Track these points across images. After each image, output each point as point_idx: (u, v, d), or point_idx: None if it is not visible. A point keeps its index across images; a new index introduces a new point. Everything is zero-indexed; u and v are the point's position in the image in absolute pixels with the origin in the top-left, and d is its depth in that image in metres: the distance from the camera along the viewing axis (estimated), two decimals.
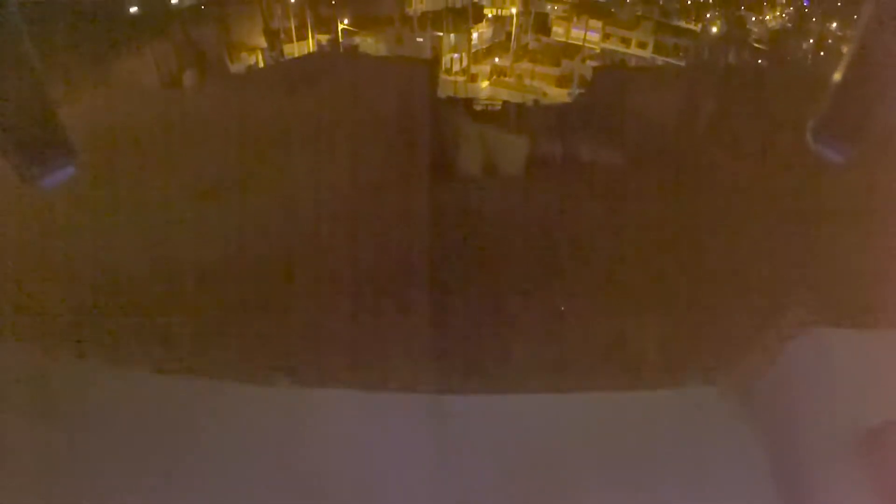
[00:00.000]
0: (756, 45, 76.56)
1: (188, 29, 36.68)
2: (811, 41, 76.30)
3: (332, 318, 10.95)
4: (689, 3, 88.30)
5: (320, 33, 54.61)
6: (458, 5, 68.19)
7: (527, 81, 44.73)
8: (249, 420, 6.13)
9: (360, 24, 55.64)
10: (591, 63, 50.82)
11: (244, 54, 38.53)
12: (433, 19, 52.11)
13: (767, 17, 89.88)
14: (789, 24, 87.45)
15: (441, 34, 49.87)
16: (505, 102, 29.26)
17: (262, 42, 40.57)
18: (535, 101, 35.77)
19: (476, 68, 46.93)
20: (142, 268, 11.65)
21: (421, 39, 49.70)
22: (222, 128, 17.42)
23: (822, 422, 5.80)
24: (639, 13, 79.35)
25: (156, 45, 33.03)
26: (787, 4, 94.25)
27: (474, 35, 53.78)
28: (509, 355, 10.86)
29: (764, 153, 19.78)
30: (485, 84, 45.94)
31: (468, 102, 23.66)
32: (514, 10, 76.95)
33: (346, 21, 56.83)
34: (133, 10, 42.43)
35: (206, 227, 13.46)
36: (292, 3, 62.49)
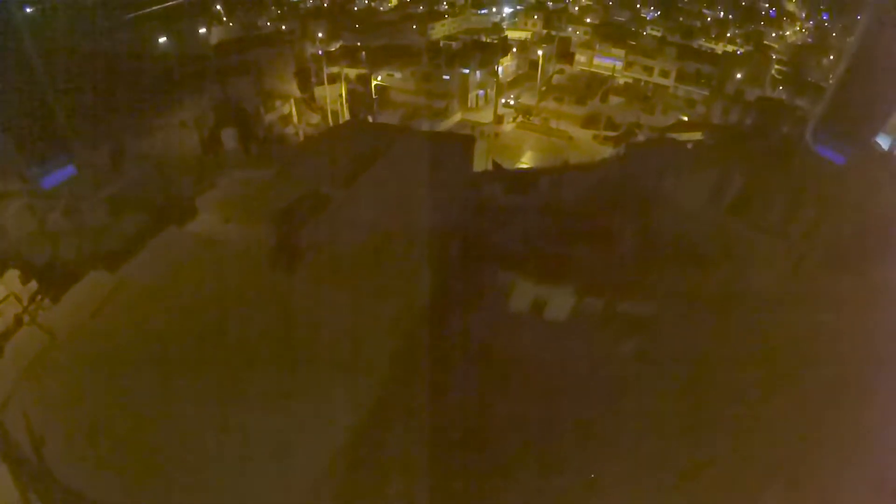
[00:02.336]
0: (777, 60, 76.11)
1: (224, 77, 37.21)
2: (831, 57, 75.60)
3: None
4: (709, 20, 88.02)
5: (348, 67, 55.15)
6: (486, 39, 68.61)
7: (552, 123, 44.55)
8: None
9: (387, 57, 56.06)
10: (615, 99, 50.67)
11: (278, 102, 38.87)
12: (460, 55, 52.29)
13: (788, 32, 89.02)
14: (809, 40, 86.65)
15: (467, 71, 49.99)
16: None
17: (294, 88, 40.89)
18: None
19: (502, 109, 46.88)
20: None
21: (448, 77, 49.86)
22: None
23: None
24: (659, 34, 79.34)
25: (193, 99, 33.53)
26: (808, 19, 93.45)
27: (499, 69, 53.87)
28: None
29: None
30: (510, 127, 45.92)
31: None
32: (535, 33, 77.30)
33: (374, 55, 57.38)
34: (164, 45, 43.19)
35: None
36: (322, 44, 63.44)
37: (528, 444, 13.42)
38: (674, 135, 30.40)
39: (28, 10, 40.33)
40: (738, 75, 58.00)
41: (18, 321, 14.48)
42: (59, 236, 18.30)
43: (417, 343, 15.09)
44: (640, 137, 40.45)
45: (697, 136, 29.97)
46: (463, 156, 26.41)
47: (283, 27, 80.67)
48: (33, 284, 15.53)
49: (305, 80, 43.76)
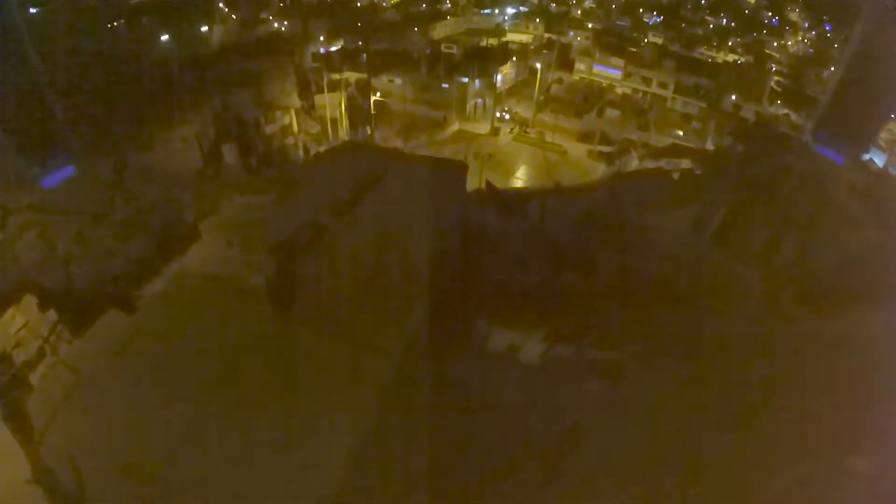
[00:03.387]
0: (777, 72, 76.54)
1: (224, 88, 38.07)
2: (832, 69, 76.03)
3: None
4: (711, 27, 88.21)
5: (349, 71, 55.86)
6: (487, 41, 69.06)
7: (548, 137, 45.36)
8: None
9: (387, 63, 56.68)
10: (611, 112, 51.48)
11: (278, 113, 39.74)
12: (459, 64, 52.96)
13: (790, 42, 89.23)
14: (811, 51, 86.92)
15: (466, 80, 50.75)
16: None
17: (295, 98, 41.71)
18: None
19: (499, 121, 47.69)
20: None
21: (447, 86, 50.65)
22: None
23: None
24: (661, 41, 79.71)
25: (195, 113, 34.44)
26: (810, 29, 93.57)
27: (498, 77, 54.61)
28: None
29: None
30: (507, 139, 46.73)
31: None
32: (536, 37, 77.57)
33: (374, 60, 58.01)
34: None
35: None
36: (324, 44, 64.01)
37: (497, 473, 14.90)
38: (664, 160, 31.39)
39: (31, 10, 41.01)
40: (736, 90, 58.85)
41: (41, 353, 15.70)
42: (70, 261, 19.44)
43: (409, 380, 16.45)
44: (633, 157, 41.41)
45: (687, 163, 31.00)
46: (456, 182, 27.56)
47: (285, 25, 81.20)
48: (52, 315, 16.67)
49: (306, 88, 44.52)
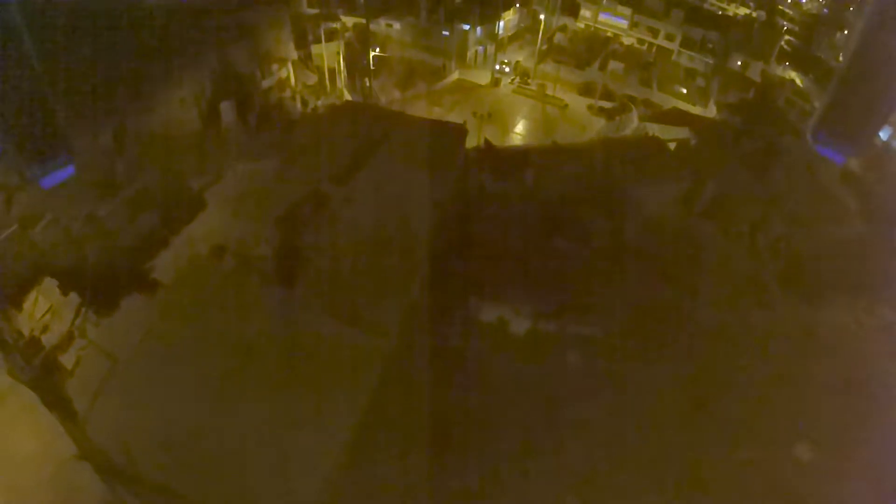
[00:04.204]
0: (788, 31, 74.22)
1: (219, 41, 36.69)
2: (845, 32, 73.70)
3: None
4: None
5: (346, 15, 53.39)
6: None
7: (549, 89, 44.44)
8: None
9: (386, 5, 54.08)
10: (615, 65, 50.33)
11: (275, 66, 38.42)
12: (460, 9, 50.85)
13: (804, 0, 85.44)
14: (825, 10, 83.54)
15: (467, 27, 48.93)
16: None
17: (291, 49, 40.15)
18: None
19: (499, 73, 46.41)
20: None
21: (447, 33, 48.88)
22: None
23: None
24: None
25: (192, 71, 33.51)
26: None
27: (500, 24, 52.67)
28: None
29: None
30: (507, 90, 45.68)
31: None
32: None
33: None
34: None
35: None
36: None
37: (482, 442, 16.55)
38: (661, 128, 31.40)
39: None
40: (744, 47, 57.26)
41: (70, 336, 16.47)
42: (83, 241, 19.82)
43: (407, 353, 17.58)
44: (633, 115, 41.06)
45: (684, 131, 31.14)
46: (455, 146, 27.64)
47: None
48: (75, 297, 17.28)
49: (302, 38, 42.70)
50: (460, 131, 27.47)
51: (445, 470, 15.32)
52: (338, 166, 24.16)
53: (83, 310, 16.97)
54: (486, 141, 31.23)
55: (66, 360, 15.76)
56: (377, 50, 37.53)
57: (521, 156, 30.74)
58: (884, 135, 58.32)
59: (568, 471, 16.01)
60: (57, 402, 14.55)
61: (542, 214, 25.59)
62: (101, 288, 17.72)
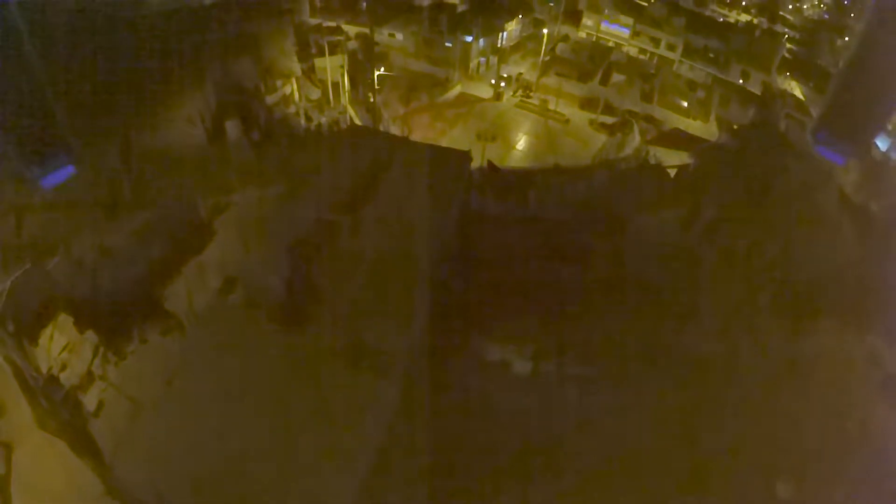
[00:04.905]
0: (789, 38, 74.48)
1: (223, 55, 36.98)
2: (846, 38, 74.05)
3: None
4: None
5: (348, 23, 53.71)
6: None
7: (551, 104, 44.72)
8: None
9: (388, 13, 54.32)
10: (617, 77, 50.67)
11: (279, 82, 38.72)
12: (463, 19, 51.09)
13: (805, 5, 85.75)
14: (826, 15, 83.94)
15: (470, 38, 49.23)
16: None
17: (295, 62, 40.43)
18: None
19: (502, 86, 46.70)
20: None
21: (450, 44, 49.18)
22: None
23: None
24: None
25: (195, 85, 33.77)
26: None
27: (503, 35, 53.03)
28: None
29: None
30: (510, 104, 45.99)
31: None
32: None
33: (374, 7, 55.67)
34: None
35: None
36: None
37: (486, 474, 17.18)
38: (662, 151, 31.93)
39: None
40: (745, 57, 57.59)
41: (90, 377, 16.92)
42: (96, 272, 20.22)
43: (411, 388, 18.13)
44: (635, 131, 41.52)
45: (685, 156, 31.64)
46: (458, 170, 28.17)
47: None
48: (92, 336, 17.73)
49: (305, 50, 42.97)
50: (464, 158, 27.91)
51: (449, 498, 15.92)
52: (344, 193, 24.59)
53: (100, 349, 17.39)
54: (490, 162, 31.72)
55: (88, 401, 16.20)
56: (381, 69, 37.72)
57: (523, 178, 31.25)
58: (882, 145, 59.15)
59: (565, 498, 16.67)
60: (82, 444, 15.03)
61: (544, 239, 26.11)
62: (115, 324, 18.18)
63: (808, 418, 18.69)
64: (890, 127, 65.87)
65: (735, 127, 40.01)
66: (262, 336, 17.73)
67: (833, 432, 18.18)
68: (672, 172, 28.29)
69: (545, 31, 49.94)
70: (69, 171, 30.98)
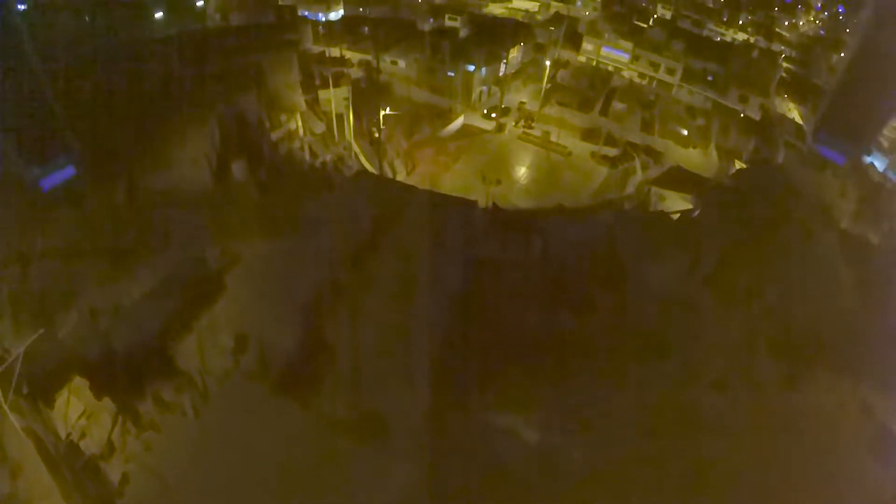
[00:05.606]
0: (786, 58, 75.14)
1: (227, 90, 37.43)
2: (842, 54, 74.69)
3: None
4: (722, 0, 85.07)
5: (350, 50, 54.35)
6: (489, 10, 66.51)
7: (553, 136, 45.10)
8: None
9: (390, 40, 54.92)
10: (618, 105, 51.23)
11: (283, 116, 39.15)
12: (465, 48, 51.63)
13: (801, 21, 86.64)
14: (822, 32, 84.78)
15: (472, 68, 49.75)
16: None
17: (299, 96, 40.87)
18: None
19: (503, 118, 47.09)
20: None
21: (452, 73, 49.69)
22: None
23: None
24: (671, 11, 77.19)
25: (199, 123, 34.16)
26: (823, 10, 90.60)
27: (504, 63, 53.65)
28: None
29: None
30: (512, 135, 46.32)
31: None
32: (543, 4, 74.58)
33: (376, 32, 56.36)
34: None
35: None
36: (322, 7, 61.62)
37: None
38: (665, 192, 32.38)
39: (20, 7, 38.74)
40: (743, 81, 58.25)
41: (111, 447, 17.20)
42: (109, 333, 20.58)
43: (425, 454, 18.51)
44: (636, 164, 42.04)
45: (686, 199, 32.12)
46: (465, 220, 28.71)
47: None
48: (110, 403, 18.06)
49: (310, 82, 43.42)
50: (470, 208, 28.43)
51: None
52: (352, 246, 25.00)
53: (120, 418, 17.71)
54: (494, 205, 32.14)
55: (111, 471, 16.50)
56: (387, 109, 38.07)
57: (528, 220, 31.68)
58: (880, 164, 59.56)
59: None
60: None
61: (549, 288, 26.50)
62: (129, 383, 18.53)
63: (802, 479, 19.12)
64: (886, 144, 66.85)
65: (735, 162, 40.52)
66: (278, 410, 18.09)
67: (826, 492, 18.58)
68: (674, 217, 28.69)
69: (547, 62, 50.33)
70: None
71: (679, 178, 33.69)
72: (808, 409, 22.10)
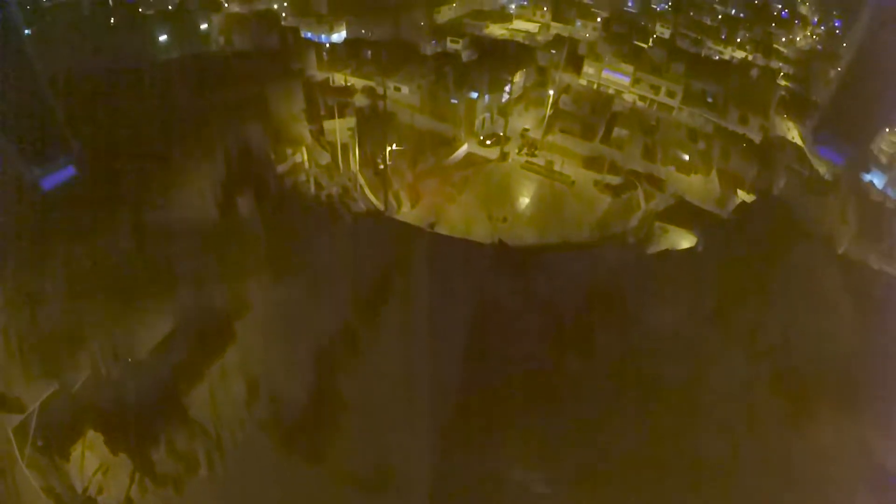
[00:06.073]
0: (784, 75, 75.74)
1: (233, 122, 37.84)
2: (839, 69, 75.39)
3: None
4: (720, 17, 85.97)
5: (354, 76, 55.01)
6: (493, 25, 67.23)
7: (556, 166, 45.38)
8: None
9: (394, 64, 55.52)
10: (620, 132, 51.70)
11: (289, 150, 39.58)
12: (468, 74, 52.16)
13: (798, 36, 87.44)
14: (819, 47, 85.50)
15: (475, 95, 50.24)
16: None
17: (304, 128, 41.36)
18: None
19: (506, 146, 47.39)
20: None
21: (456, 101, 50.19)
22: None
23: None
24: (669, 31, 77.97)
25: (206, 157, 34.42)
26: (819, 24, 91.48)
27: (507, 89, 54.20)
28: None
29: None
30: (516, 163, 46.56)
31: None
32: (543, 26, 75.37)
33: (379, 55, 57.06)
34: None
35: None
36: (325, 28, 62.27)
37: None
38: (669, 228, 32.81)
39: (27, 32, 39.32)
40: (743, 101, 58.84)
41: (130, 503, 17.56)
42: (122, 384, 20.87)
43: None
44: (639, 193, 42.44)
45: (690, 236, 32.47)
46: (471, 262, 29.14)
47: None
48: (126, 460, 18.29)
49: (314, 110, 43.89)
50: (480, 252, 28.88)
51: None
52: (363, 292, 25.34)
53: (136, 475, 17.95)
54: (500, 241, 32.48)
55: None
56: (393, 146, 38.40)
57: (534, 257, 32.01)
58: (878, 181, 59.93)
59: None
60: None
61: (556, 329, 26.82)
62: (143, 432, 18.81)
63: None
64: (885, 160, 67.27)
65: (737, 191, 40.69)
66: (290, 462, 18.30)
67: None
68: (677, 254, 29.03)
69: (551, 91, 50.57)
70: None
71: (682, 213, 34.03)
72: (808, 447, 22.44)
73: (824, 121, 65.84)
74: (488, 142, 48.93)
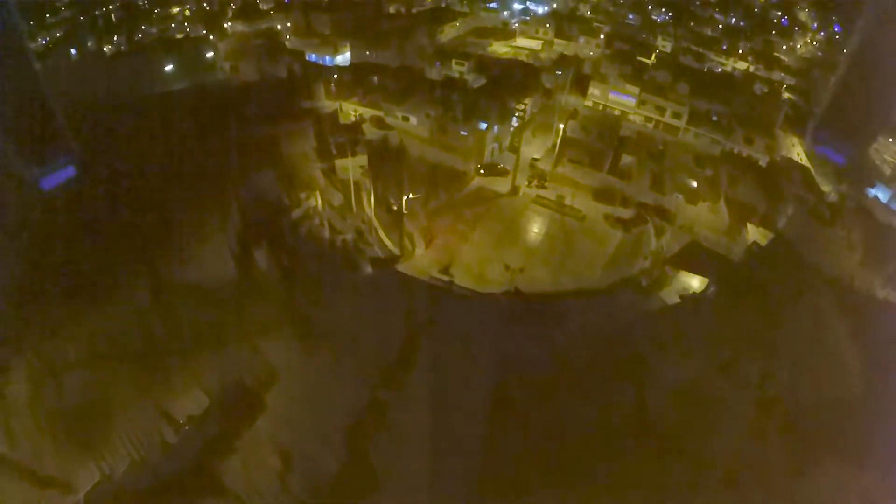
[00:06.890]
0: (787, 87, 75.85)
1: (246, 171, 38.15)
2: (839, 74, 75.48)
3: None
4: (720, 27, 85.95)
5: (360, 104, 55.20)
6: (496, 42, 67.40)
7: (567, 200, 45.61)
8: None
9: (400, 94, 55.64)
10: (627, 159, 52.10)
11: (303, 195, 39.90)
12: (476, 102, 52.36)
13: (799, 44, 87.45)
14: (819, 53, 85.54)
15: (484, 126, 50.46)
16: None
17: (317, 169, 41.70)
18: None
19: (519, 179, 47.59)
20: None
21: (465, 133, 50.44)
22: None
23: None
24: (670, 43, 77.95)
25: (220, 210, 34.69)
26: (819, 30, 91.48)
27: (514, 120, 54.51)
28: None
29: None
30: (526, 197, 46.77)
31: None
32: (546, 42, 75.28)
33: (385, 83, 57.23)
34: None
35: None
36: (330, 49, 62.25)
37: None
38: (680, 273, 33.35)
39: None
40: (748, 121, 59.14)
41: None
42: (158, 465, 21.46)
43: None
44: (649, 228, 42.85)
45: (701, 281, 32.91)
46: (492, 317, 29.71)
47: (288, 25, 77.51)
48: None
49: (326, 150, 44.15)
50: (496, 301, 29.33)
51: None
52: (389, 359, 25.91)
53: None
54: (517, 289, 32.98)
55: None
56: (409, 194, 38.62)
57: (550, 306, 32.56)
58: (883, 196, 60.17)
59: None
60: None
61: (574, 381, 27.45)
62: None
63: None
64: (889, 172, 67.48)
65: (746, 225, 40.94)
66: None
67: None
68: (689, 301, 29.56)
69: (561, 126, 50.55)
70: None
71: (693, 257, 34.48)
72: (811, 496, 23.06)
73: (824, 121, 66.09)
74: (498, 175, 49.23)
